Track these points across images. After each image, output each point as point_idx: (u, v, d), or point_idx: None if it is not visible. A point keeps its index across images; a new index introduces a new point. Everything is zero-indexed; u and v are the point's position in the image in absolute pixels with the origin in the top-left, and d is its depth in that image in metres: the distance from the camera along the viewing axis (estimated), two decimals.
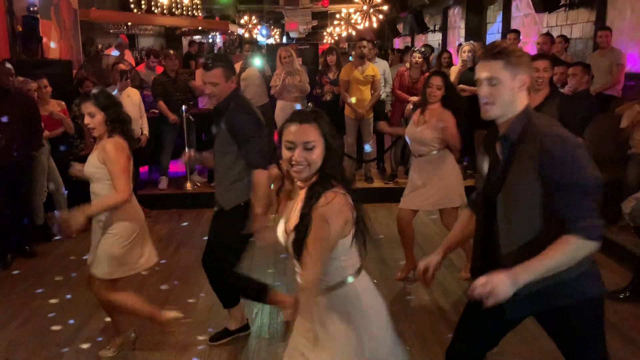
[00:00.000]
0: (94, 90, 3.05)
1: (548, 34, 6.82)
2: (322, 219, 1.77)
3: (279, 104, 6.79)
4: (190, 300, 3.96)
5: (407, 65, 6.85)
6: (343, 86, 6.52)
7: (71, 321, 3.68)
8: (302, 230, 1.81)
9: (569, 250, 1.81)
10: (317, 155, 1.83)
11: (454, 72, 6.83)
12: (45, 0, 7.17)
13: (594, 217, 1.83)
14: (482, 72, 1.92)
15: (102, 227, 3.01)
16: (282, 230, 1.95)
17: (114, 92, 5.66)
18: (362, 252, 1.92)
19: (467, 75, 6.70)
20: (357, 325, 1.89)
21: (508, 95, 1.90)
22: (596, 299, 2.02)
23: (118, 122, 2.97)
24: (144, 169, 6.84)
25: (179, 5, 13.34)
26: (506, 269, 1.81)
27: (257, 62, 7.27)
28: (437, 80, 3.93)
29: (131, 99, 5.81)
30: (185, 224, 5.80)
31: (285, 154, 1.86)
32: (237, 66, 7.18)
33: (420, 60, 6.71)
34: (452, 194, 4.06)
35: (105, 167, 2.90)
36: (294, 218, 1.87)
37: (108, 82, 5.95)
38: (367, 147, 6.86)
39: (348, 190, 1.85)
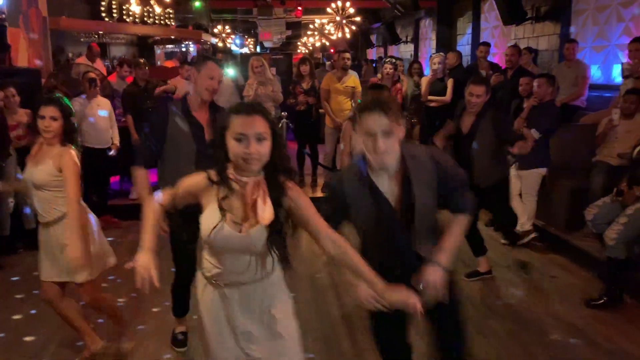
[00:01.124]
0: (57, 96, 3.08)
1: (515, 46, 6.99)
2: (303, 195, 1.95)
3: None
4: (155, 309, 3.92)
5: (379, 76, 6.96)
6: (323, 95, 6.60)
7: (37, 336, 3.62)
8: (278, 225, 1.89)
9: (464, 227, 2.30)
10: (267, 147, 1.85)
11: (424, 82, 6.97)
12: (13, 8, 7.06)
13: (470, 197, 2.32)
14: (380, 125, 2.06)
15: (61, 234, 2.96)
16: (237, 228, 1.89)
17: (83, 100, 5.62)
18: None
19: (437, 85, 6.85)
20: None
21: (397, 143, 2.14)
22: None
23: (73, 132, 3.02)
24: (115, 178, 6.76)
25: (151, 14, 13.24)
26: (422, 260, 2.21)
27: (230, 71, 7.28)
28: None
29: (102, 109, 5.76)
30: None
31: (237, 146, 1.82)
32: None
33: (391, 71, 6.82)
34: None
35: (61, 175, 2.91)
36: (267, 214, 1.86)
37: (78, 91, 5.89)
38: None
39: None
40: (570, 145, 5.52)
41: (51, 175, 2.91)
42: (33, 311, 3.94)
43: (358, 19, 15.62)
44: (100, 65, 9.00)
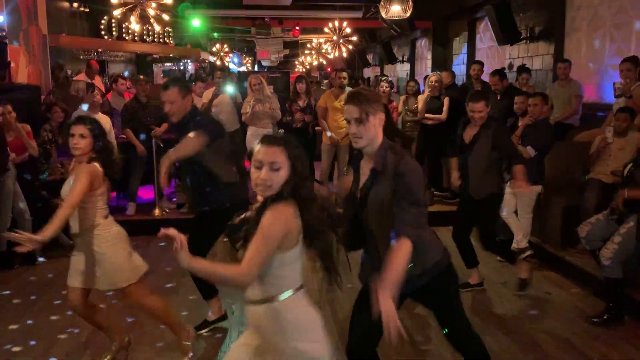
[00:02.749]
0: (89, 117, 3.27)
1: (497, 73, 7.04)
2: (271, 220, 1.90)
3: (250, 129, 6.87)
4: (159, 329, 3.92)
5: None
6: (321, 113, 6.67)
7: (33, 343, 3.61)
8: (248, 233, 1.94)
9: (404, 252, 2.22)
10: (281, 176, 1.94)
11: (420, 101, 7.04)
12: (14, 26, 7.14)
13: (411, 219, 2.27)
14: (351, 114, 2.33)
15: (94, 244, 3.12)
16: None
17: (84, 109, 5.67)
18: (333, 280, 2.05)
19: (433, 103, 6.92)
20: (291, 340, 1.98)
21: (372, 130, 2.34)
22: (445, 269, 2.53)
23: (104, 152, 3.13)
24: (111, 195, 6.76)
25: (150, 33, 13.37)
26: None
27: (229, 89, 7.36)
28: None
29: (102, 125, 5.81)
30: (153, 250, 5.74)
31: (253, 173, 1.95)
32: (209, 92, 7.27)
33: (387, 89, 6.91)
34: None
35: None
36: None
37: (77, 107, 5.94)
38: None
39: (308, 211, 1.95)
40: (564, 162, 5.57)
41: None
42: (29, 322, 3.93)
43: (355, 38, 15.82)
44: (99, 82, 9.08)
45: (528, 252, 5.21)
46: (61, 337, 3.75)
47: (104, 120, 5.91)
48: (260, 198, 2.01)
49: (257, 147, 1.97)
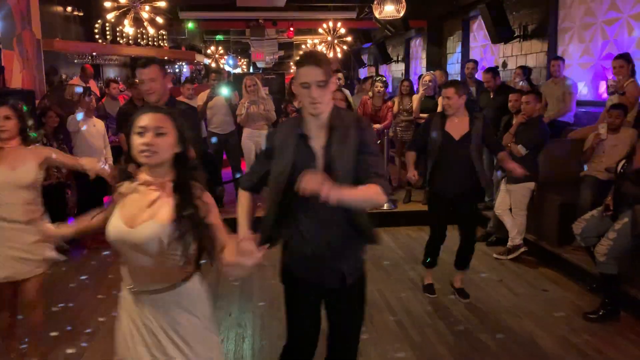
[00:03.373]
0: (11, 100, 3.23)
1: (490, 70, 7.02)
2: (212, 202, 1.94)
3: (245, 131, 6.88)
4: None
5: (370, 94, 7.06)
6: None
7: None
8: (185, 222, 1.84)
9: (371, 193, 2.12)
10: (168, 143, 1.88)
11: (415, 100, 7.06)
12: (7, 30, 7.12)
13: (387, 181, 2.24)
14: (315, 77, 2.15)
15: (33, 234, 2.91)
16: (129, 224, 1.89)
17: (79, 117, 5.67)
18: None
19: (428, 102, 6.94)
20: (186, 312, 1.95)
21: (329, 94, 2.22)
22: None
23: (26, 131, 3.08)
24: (107, 198, 6.76)
25: (144, 36, 13.35)
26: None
27: (224, 91, 7.36)
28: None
29: (97, 129, 5.81)
30: None
31: (136, 139, 1.87)
32: (204, 94, 7.26)
33: (382, 89, 6.92)
34: None
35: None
36: (164, 213, 1.86)
37: (72, 111, 5.93)
38: None
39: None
40: (558, 160, 5.60)
41: (36, 175, 3.00)
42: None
43: (349, 39, 15.84)
44: (94, 86, 9.07)
45: (522, 249, 5.25)
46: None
47: (99, 124, 5.92)
48: (143, 176, 1.91)
49: (139, 115, 1.90)
